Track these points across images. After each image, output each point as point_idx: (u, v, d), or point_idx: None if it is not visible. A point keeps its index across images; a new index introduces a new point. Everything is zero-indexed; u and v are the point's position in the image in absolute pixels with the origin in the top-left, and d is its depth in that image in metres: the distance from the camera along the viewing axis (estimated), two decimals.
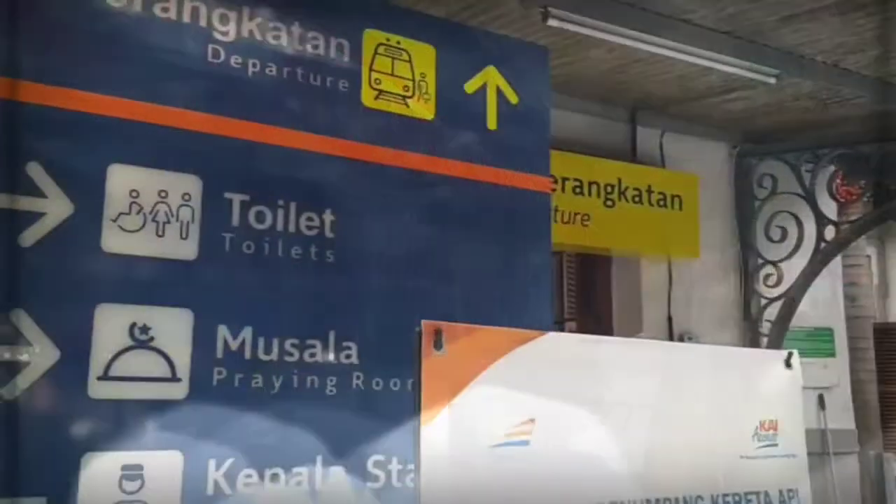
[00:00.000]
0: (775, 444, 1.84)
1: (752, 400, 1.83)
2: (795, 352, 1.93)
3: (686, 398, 1.72)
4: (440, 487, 1.35)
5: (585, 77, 4.63)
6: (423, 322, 1.41)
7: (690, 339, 5.30)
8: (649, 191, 5.10)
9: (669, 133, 5.27)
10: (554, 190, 4.94)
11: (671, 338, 5.21)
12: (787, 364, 1.92)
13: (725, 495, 1.72)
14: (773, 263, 5.27)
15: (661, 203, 5.14)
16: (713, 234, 5.30)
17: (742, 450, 1.79)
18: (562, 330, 6.23)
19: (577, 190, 4.94)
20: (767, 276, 5.29)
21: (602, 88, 4.79)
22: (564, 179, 4.89)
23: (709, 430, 1.75)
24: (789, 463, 1.85)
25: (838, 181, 5.51)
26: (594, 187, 4.98)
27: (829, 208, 5.22)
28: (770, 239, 5.27)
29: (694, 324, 5.27)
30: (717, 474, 1.74)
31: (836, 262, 5.67)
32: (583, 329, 5.83)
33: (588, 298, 5.83)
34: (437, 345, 1.40)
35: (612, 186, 5.01)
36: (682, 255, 5.19)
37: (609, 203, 4.99)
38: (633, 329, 5.19)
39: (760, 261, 5.35)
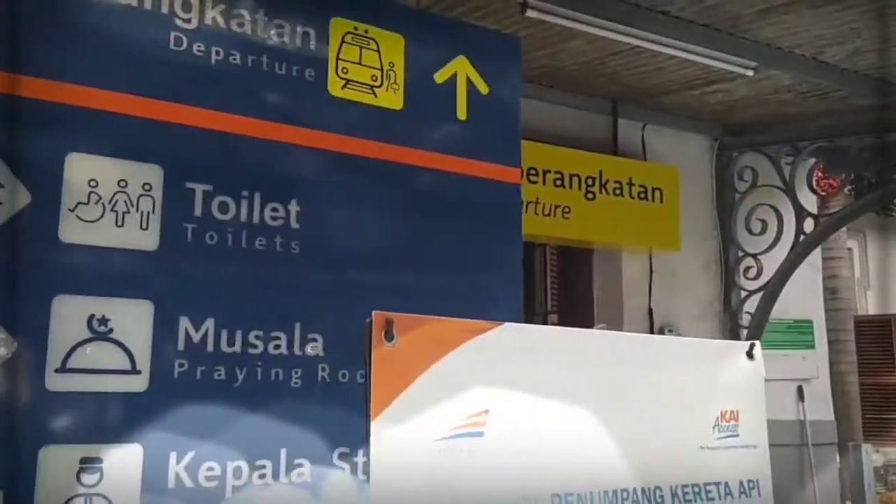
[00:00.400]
0: (736, 435, 1.84)
1: (712, 391, 1.83)
2: (758, 343, 1.93)
3: (645, 389, 1.71)
4: (391, 480, 1.34)
5: (566, 69, 4.62)
6: (374, 313, 1.39)
7: (671, 332, 5.31)
8: (630, 183, 5.11)
9: (651, 126, 5.27)
10: (535, 182, 4.95)
11: (651, 330, 5.23)
12: (750, 355, 1.92)
13: (685, 486, 1.72)
14: (753, 256, 5.29)
15: (642, 196, 5.14)
16: (694, 226, 5.31)
17: (702, 441, 1.79)
18: (545, 322, 6.25)
19: (558, 182, 4.93)
20: (747, 268, 5.32)
21: (582, 81, 4.79)
22: (545, 172, 4.88)
23: (668, 420, 1.74)
24: (750, 454, 1.85)
25: (818, 174, 5.53)
26: (575, 180, 4.98)
27: (809, 201, 5.24)
28: (750, 231, 5.29)
29: (674, 316, 5.29)
30: (676, 465, 1.74)
31: (816, 255, 5.70)
32: (564, 321, 5.84)
33: (570, 291, 5.84)
34: (388, 336, 1.38)
35: (593, 179, 5.01)
36: (663, 248, 5.21)
37: (590, 195, 5.00)
38: (614, 321, 5.20)
39: (741, 253, 5.37)
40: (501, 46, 2.70)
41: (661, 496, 1.67)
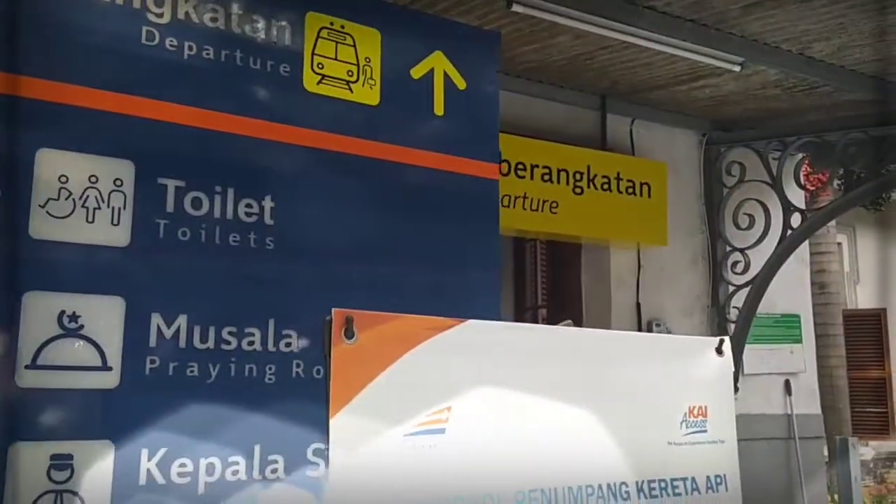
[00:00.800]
0: (704, 431, 1.84)
1: (681, 387, 1.83)
2: (727, 338, 1.93)
3: (611, 385, 1.72)
4: (349, 479, 1.34)
5: (554, 64, 4.61)
6: (334, 310, 1.39)
7: (658, 326, 5.32)
8: (618, 178, 5.10)
9: (639, 121, 5.26)
10: (522, 177, 4.94)
11: (639, 324, 5.24)
12: (719, 351, 1.92)
13: (651, 481, 1.72)
14: (741, 251, 5.30)
15: (630, 190, 5.14)
16: (681, 221, 5.32)
17: (669, 436, 1.79)
18: (535, 317, 6.27)
19: (546, 177, 4.92)
20: (735, 263, 5.33)
21: (570, 76, 4.78)
22: (533, 167, 4.87)
23: (635, 416, 1.74)
24: (718, 449, 1.85)
25: (805, 169, 5.53)
26: (563, 174, 4.97)
27: (796, 196, 5.25)
28: (738, 226, 5.29)
29: (662, 310, 5.30)
30: (642, 461, 1.74)
31: (804, 249, 5.72)
32: (553, 316, 5.85)
33: (558, 286, 5.85)
34: (348, 333, 1.38)
35: (581, 174, 5.01)
36: (651, 243, 5.21)
37: (578, 190, 4.99)
38: (602, 316, 5.21)
39: (728, 248, 5.38)
40: (479, 41, 2.69)
41: (627, 492, 1.68)
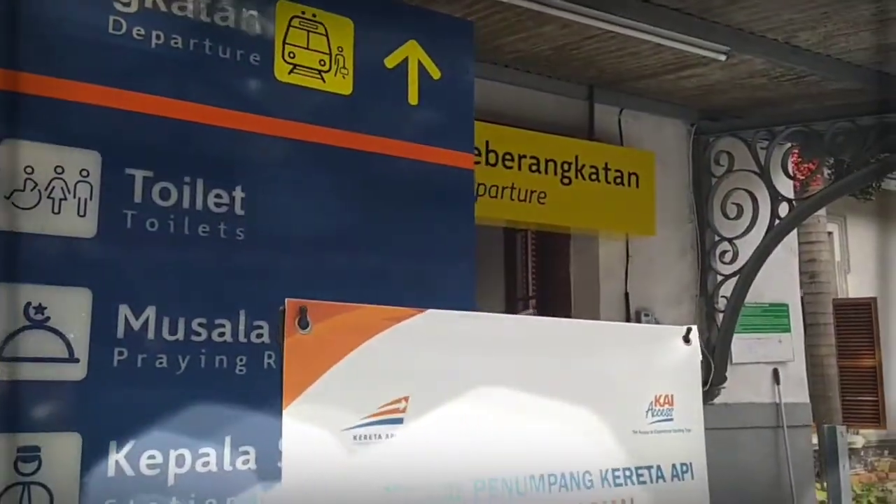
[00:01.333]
0: (670, 419, 1.84)
1: (647, 375, 1.83)
2: (694, 327, 1.93)
3: (576, 374, 1.71)
4: (303, 469, 1.33)
5: (541, 54, 4.59)
6: (287, 300, 1.38)
7: (647, 316, 5.32)
8: (606, 168, 5.08)
9: (627, 111, 5.24)
10: (510, 167, 4.92)
11: (628, 314, 5.24)
12: (686, 340, 1.91)
13: (615, 470, 1.72)
14: (729, 240, 5.29)
15: (618, 181, 5.12)
16: (670, 211, 5.30)
17: (635, 425, 1.79)
18: (526, 307, 6.27)
19: (534, 167, 4.90)
20: (723, 252, 5.32)
21: (557, 66, 4.75)
22: (521, 157, 4.85)
23: (600, 405, 1.74)
24: (684, 437, 1.85)
25: (793, 158, 5.52)
26: (551, 165, 4.95)
27: (784, 185, 5.23)
28: (726, 216, 5.28)
29: (650, 300, 5.29)
30: (607, 450, 1.74)
31: (792, 238, 5.71)
32: (542, 306, 5.85)
33: (547, 276, 5.84)
34: (302, 323, 1.37)
35: (569, 164, 4.99)
36: (639, 233, 5.20)
37: (566, 181, 4.97)
38: (591, 306, 5.21)
39: (717, 237, 5.37)
40: (453, 30, 2.67)
41: (591, 480, 1.67)
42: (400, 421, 1.46)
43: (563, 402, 1.68)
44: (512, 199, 4.80)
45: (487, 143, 4.67)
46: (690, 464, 1.84)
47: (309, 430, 1.36)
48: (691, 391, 1.88)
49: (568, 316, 5.09)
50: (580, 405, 1.70)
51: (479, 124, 4.66)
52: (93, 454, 1.94)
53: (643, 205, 5.14)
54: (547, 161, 4.93)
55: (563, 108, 5.08)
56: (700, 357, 1.90)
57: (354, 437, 1.40)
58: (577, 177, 5.00)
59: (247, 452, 2.13)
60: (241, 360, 2.16)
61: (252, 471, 2.13)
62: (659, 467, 1.79)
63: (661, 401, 1.82)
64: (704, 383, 5.23)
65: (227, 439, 2.10)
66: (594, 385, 1.75)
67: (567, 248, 5.47)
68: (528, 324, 1.79)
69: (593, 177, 5.06)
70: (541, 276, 6.02)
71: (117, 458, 1.97)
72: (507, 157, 4.78)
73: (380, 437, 1.43)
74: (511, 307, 6.27)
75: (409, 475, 1.46)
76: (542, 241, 5.83)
